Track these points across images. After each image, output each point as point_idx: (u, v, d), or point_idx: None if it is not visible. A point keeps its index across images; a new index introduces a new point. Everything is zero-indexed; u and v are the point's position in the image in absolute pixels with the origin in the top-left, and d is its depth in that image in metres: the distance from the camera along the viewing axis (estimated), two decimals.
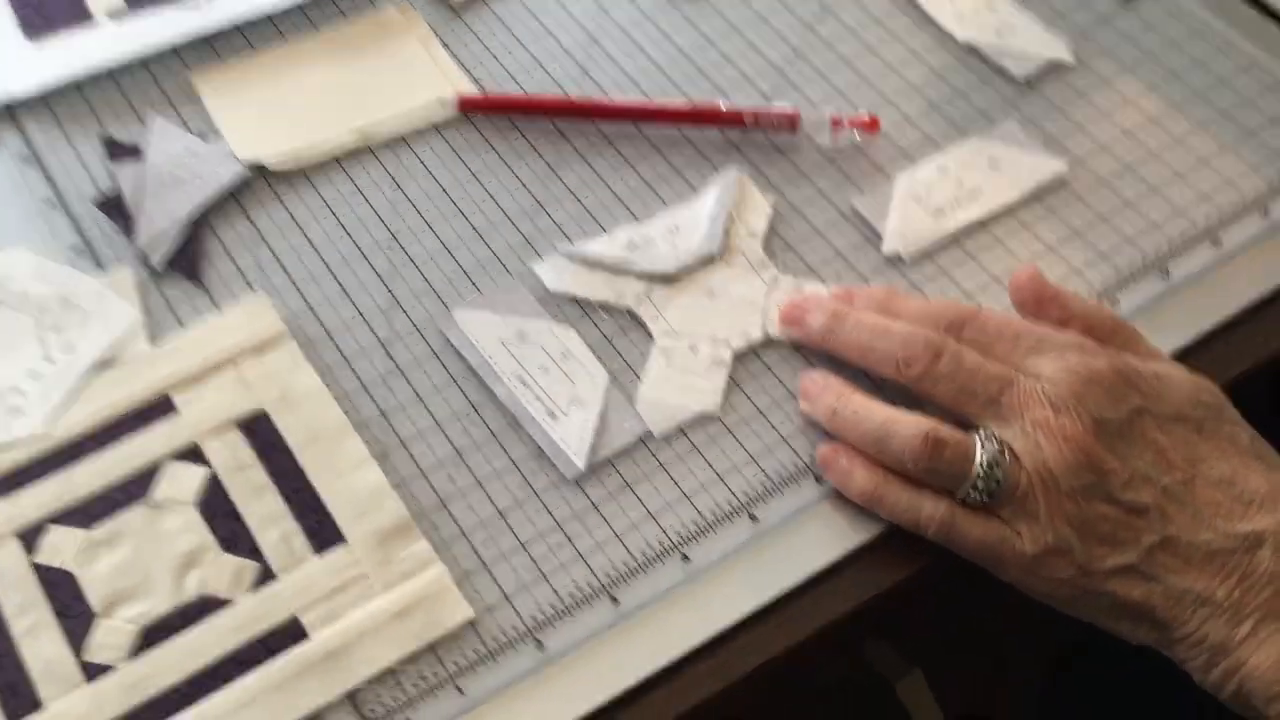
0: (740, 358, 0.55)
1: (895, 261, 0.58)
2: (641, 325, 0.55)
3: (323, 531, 0.49)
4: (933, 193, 0.61)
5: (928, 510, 0.49)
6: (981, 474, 0.47)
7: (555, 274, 0.57)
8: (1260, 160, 0.62)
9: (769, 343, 0.55)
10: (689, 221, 0.59)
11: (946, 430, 0.48)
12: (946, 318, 0.52)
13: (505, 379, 0.53)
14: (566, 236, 0.58)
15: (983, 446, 0.48)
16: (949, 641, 0.62)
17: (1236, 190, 0.61)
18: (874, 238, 0.59)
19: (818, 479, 0.51)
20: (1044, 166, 0.62)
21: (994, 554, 0.48)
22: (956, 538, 0.48)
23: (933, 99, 0.64)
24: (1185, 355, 0.56)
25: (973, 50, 0.66)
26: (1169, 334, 0.56)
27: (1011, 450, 0.48)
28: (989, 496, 0.47)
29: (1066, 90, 0.64)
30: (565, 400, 0.53)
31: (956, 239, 0.59)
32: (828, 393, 0.52)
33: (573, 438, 0.52)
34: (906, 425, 0.49)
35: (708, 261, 0.57)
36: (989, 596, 0.50)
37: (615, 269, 0.57)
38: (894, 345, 0.51)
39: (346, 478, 0.50)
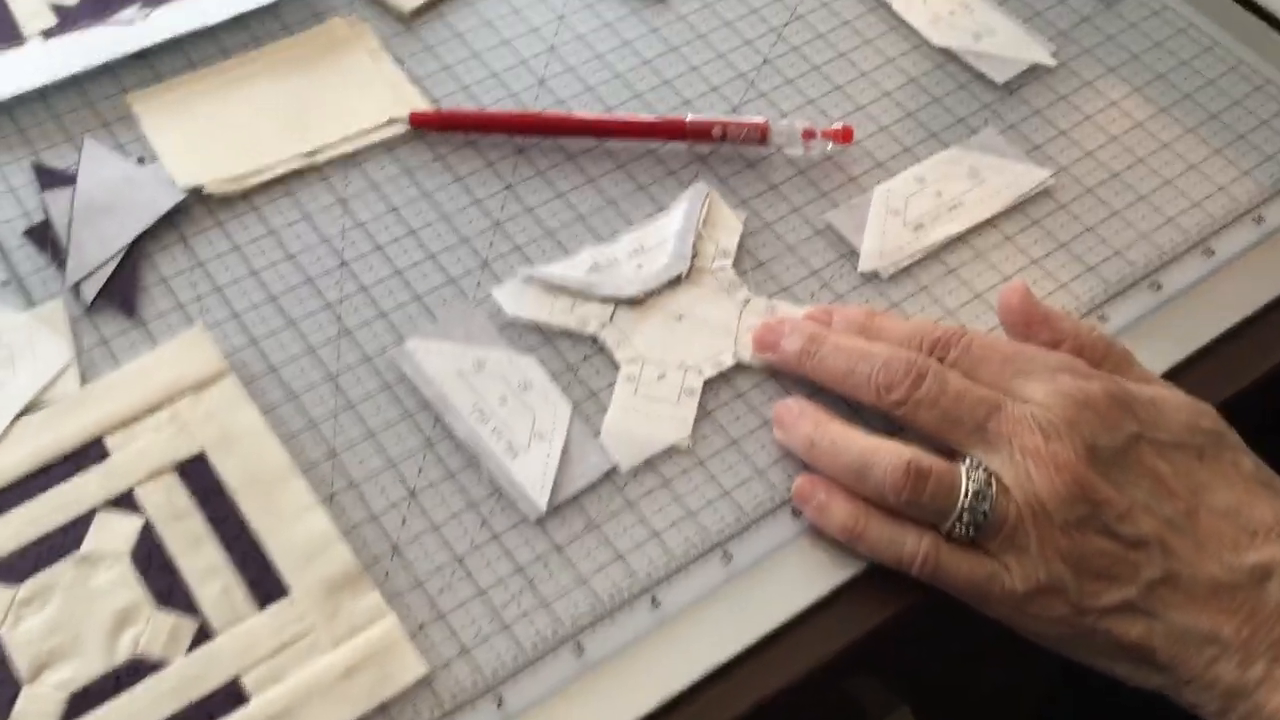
0: (711, 385, 0.52)
1: (873, 279, 0.55)
2: (606, 352, 0.52)
3: (265, 583, 0.46)
4: (911, 206, 0.58)
5: (910, 546, 0.46)
6: (967, 507, 0.44)
7: (515, 299, 0.54)
8: (1251, 164, 0.59)
9: (742, 368, 0.52)
10: (655, 241, 0.56)
11: (929, 459, 0.46)
12: (930, 339, 0.49)
13: (462, 413, 0.50)
14: (526, 259, 0.55)
15: (968, 477, 0.45)
16: (937, 676, 0.59)
17: (1228, 196, 0.58)
18: (850, 254, 0.56)
19: (795, 513, 0.48)
20: (1027, 176, 0.59)
21: (981, 591, 0.45)
22: (942, 575, 0.45)
23: (909, 107, 0.61)
24: (1178, 372, 0.53)
25: (950, 55, 0.63)
26: (1161, 350, 0.53)
27: (999, 480, 0.45)
28: (975, 530, 0.45)
29: (1048, 94, 0.62)
30: (526, 434, 0.50)
31: (937, 254, 0.56)
32: (804, 421, 0.49)
33: (534, 475, 0.49)
34: (887, 455, 0.46)
35: (675, 283, 0.54)
36: (977, 630, 0.47)
37: (578, 293, 0.54)
38: (873, 369, 0.48)
39: (291, 524, 0.47)
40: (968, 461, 0.46)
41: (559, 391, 0.51)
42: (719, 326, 0.53)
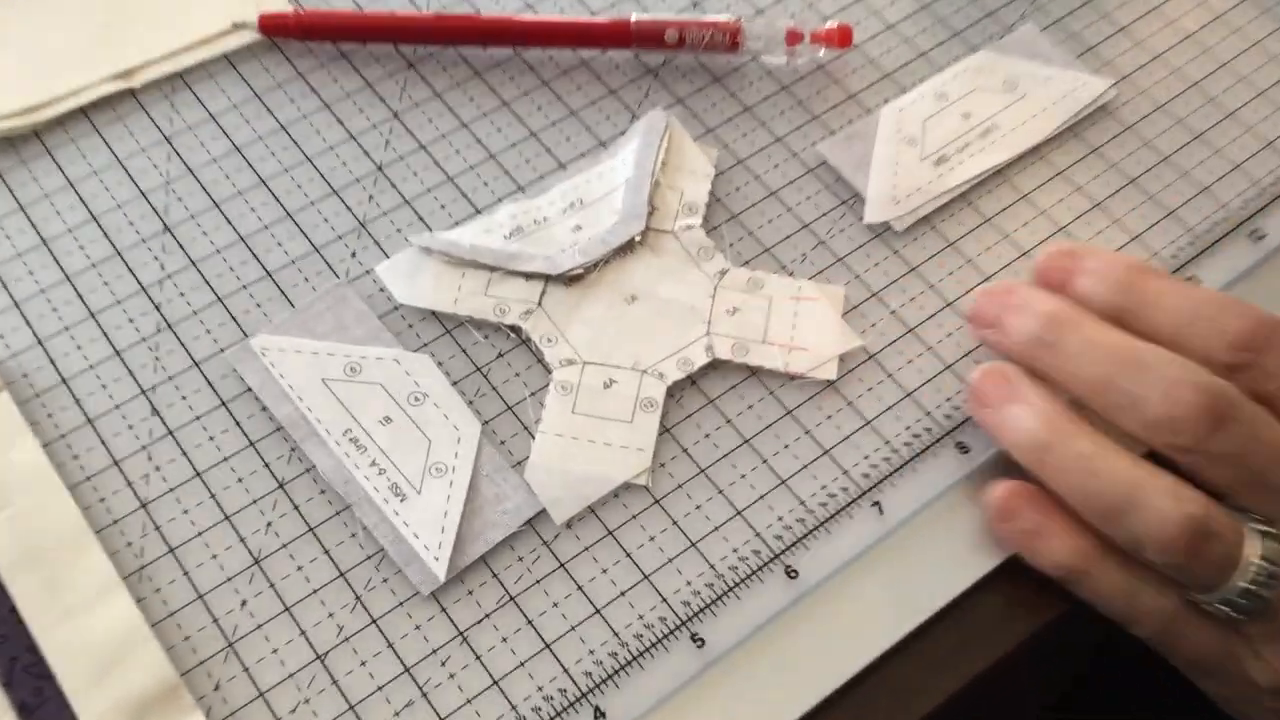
0: (677, 392, 0.38)
1: (883, 233, 0.41)
2: (532, 350, 0.38)
3: (43, 709, 0.32)
4: (930, 132, 0.44)
5: (1148, 603, 0.34)
6: (1248, 586, 0.33)
7: (405, 278, 0.39)
8: None
9: (719, 367, 0.38)
10: (598, 193, 0.41)
11: (1218, 516, 0.33)
12: (1236, 334, 0.34)
13: (329, 439, 0.36)
14: (421, 219, 0.41)
15: (1263, 552, 0.33)
16: None
17: None
18: (853, 201, 0.42)
19: (790, 574, 0.35)
20: (1080, 87, 0.45)
21: (1210, 667, 0.34)
22: (1173, 643, 0.34)
23: None
24: None
25: None
26: None
27: None
28: (1242, 612, 0.33)
29: None
30: (418, 469, 0.36)
31: (966, 197, 0.42)
32: (1025, 411, 0.35)
33: (429, 528, 0.35)
34: (1161, 499, 0.32)
35: (627, 251, 0.40)
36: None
37: (492, 267, 0.39)
38: (1148, 390, 0.33)
39: (82, 616, 0.33)
40: (1261, 527, 0.33)
41: (464, 406, 0.37)
42: (687, 310, 0.39)
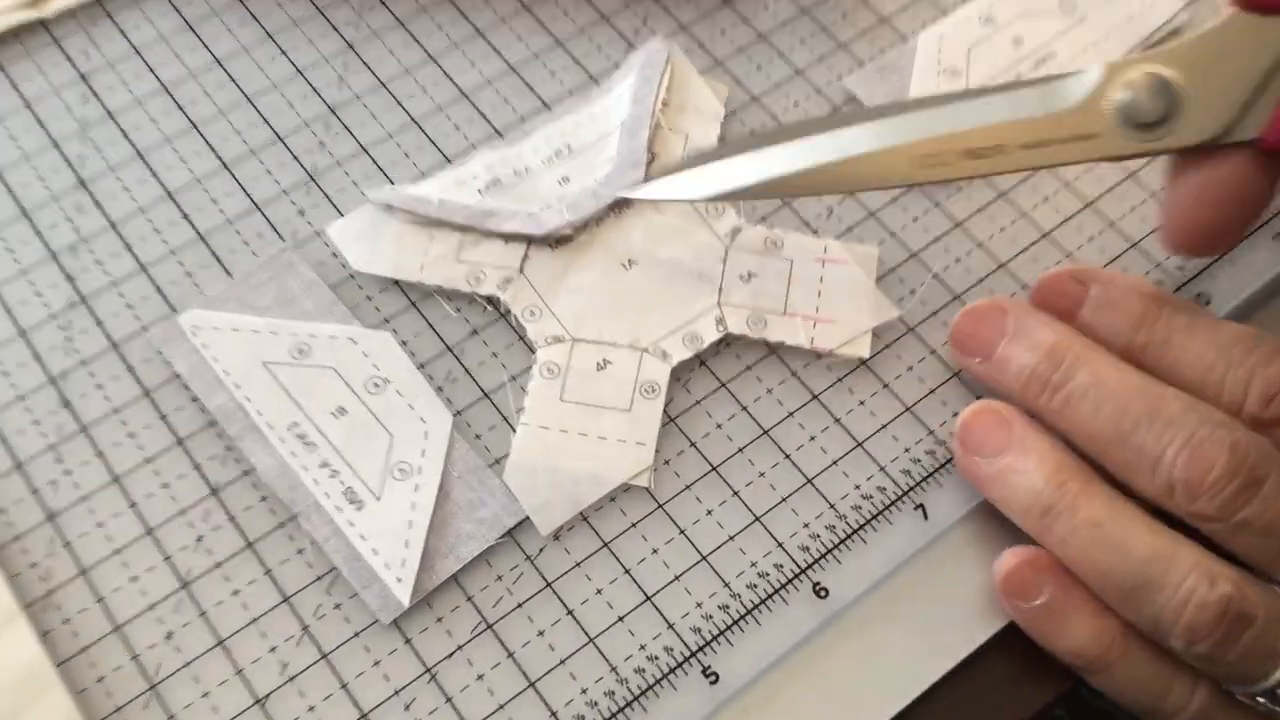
0: (683, 375, 0.32)
1: (922, 185, 0.35)
2: (512, 325, 0.33)
3: None
4: (976, 62, 0.37)
5: (1176, 700, 0.28)
6: None
7: (361, 240, 0.33)
8: None
9: (733, 343, 0.33)
10: (590, 137, 0.35)
11: (1254, 597, 0.27)
12: (1272, 381, 0.29)
13: (271, 435, 0.30)
14: (381, 171, 0.35)
15: None
16: None
17: None
18: None
19: (817, 591, 0.29)
20: (1149, 8, 0.38)
21: None
22: None
23: None
24: None
25: None
26: None
27: None
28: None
29: None
30: (377, 470, 0.30)
31: None
32: (1026, 459, 0.29)
33: (391, 543, 0.29)
34: (1186, 575, 0.27)
35: (622, 207, 0.34)
36: None
37: (465, 227, 0.33)
38: (1167, 445, 0.28)
39: None
40: None
41: (432, 394, 0.31)
42: (695, 276, 0.33)
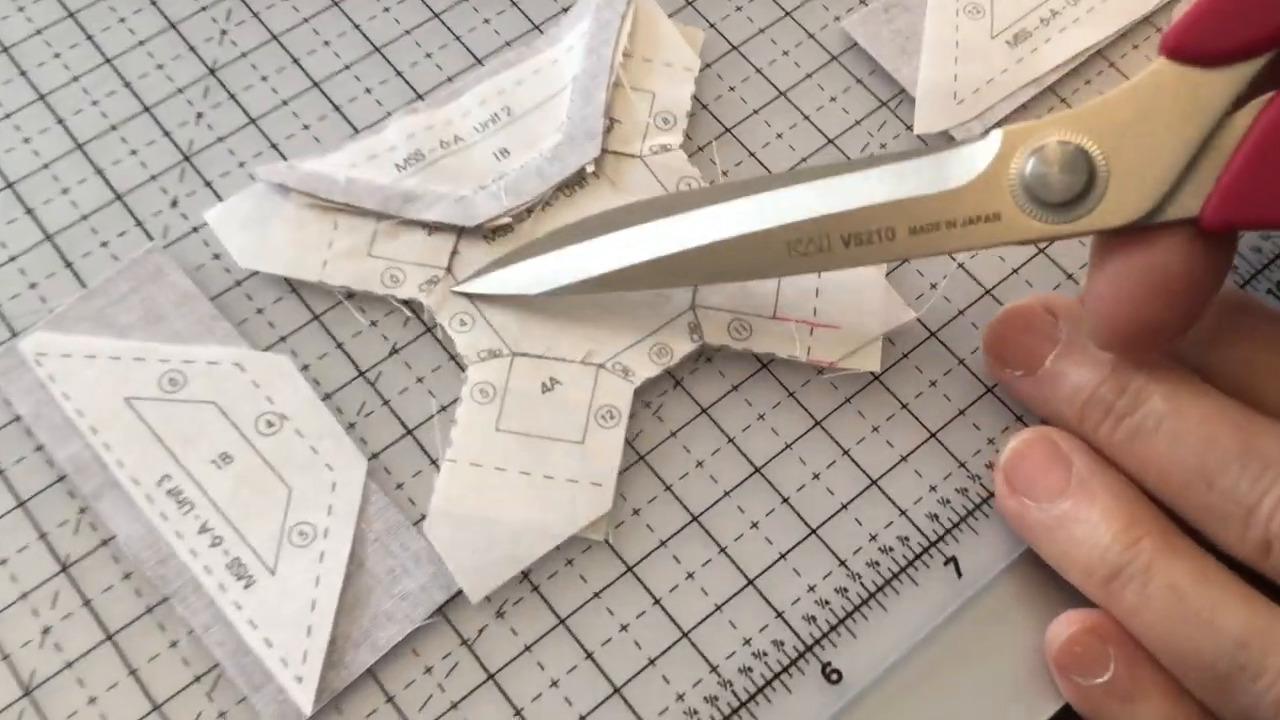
0: (653, 398, 0.26)
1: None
2: (439, 339, 0.26)
3: None
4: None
5: None
6: None
7: (248, 230, 0.27)
8: None
9: (709, 358, 0.26)
10: (532, 99, 0.29)
11: None
12: None
13: (136, 493, 0.24)
14: (274, 147, 0.28)
15: None
16: None
17: None
18: (898, 100, 0.30)
19: (828, 674, 0.24)
20: None
21: None
22: None
23: None
24: None
25: None
26: None
27: None
28: None
29: None
30: (271, 535, 0.24)
31: (1055, 90, 0.30)
32: (1099, 517, 0.23)
33: (289, 632, 0.23)
34: None
35: (575, 186, 0.28)
36: None
37: (380, 212, 0.27)
38: (1265, 493, 0.22)
39: None
40: None
41: (341, 432, 0.25)
42: None
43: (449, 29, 0.30)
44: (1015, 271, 0.28)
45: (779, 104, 0.29)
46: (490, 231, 0.27)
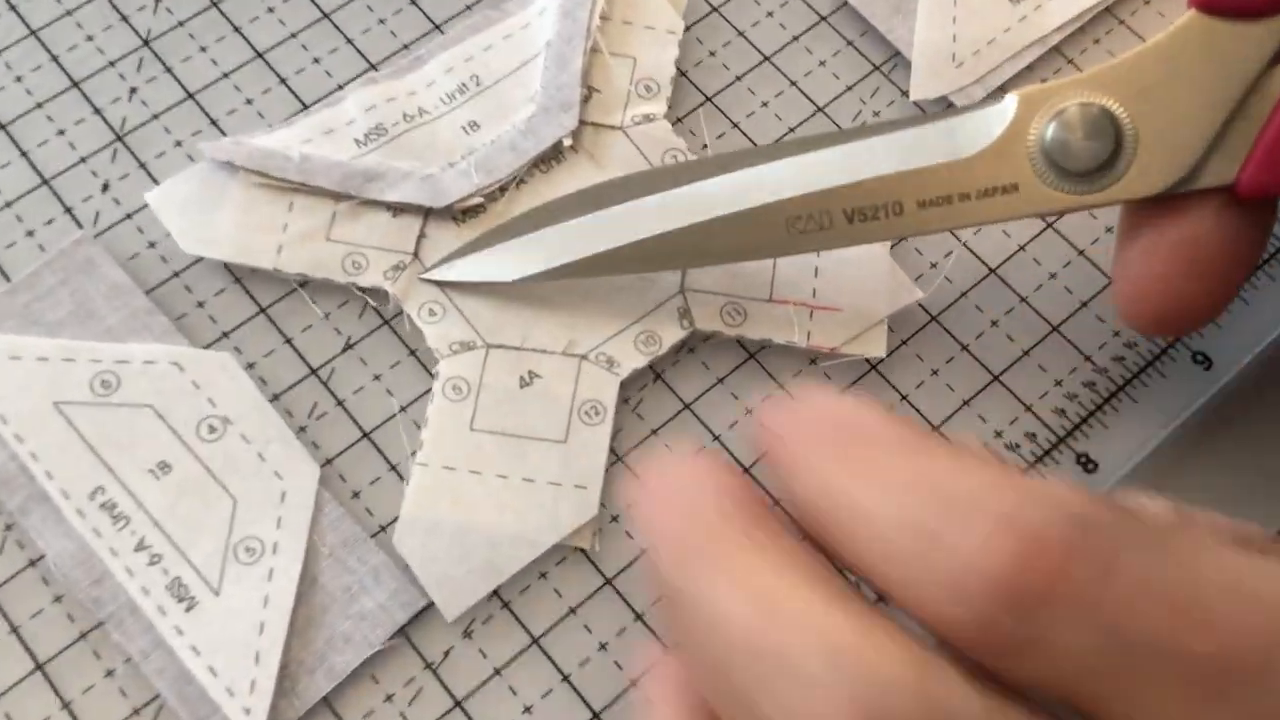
0: (635, 392, 0.24)
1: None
2: (401, 334, 0.24)
3: None
4: None
5: None
6: None
7: (192, 212, 0.24)
8: None
9: (693, 348, 0.24)
10: (502, 67, 0.26)
11: None
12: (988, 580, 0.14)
13: (67, 506, 0.22)
14: (214, 124, 0.26)
15: None
16: None
17: None
18: (892, 64, 0.27)
19: None
20: None
21: None
22: None
23: None
24: None
25: None
26: None
27: None
28: None
29: None
30: (214, 551, 0.22)
31: (1062, 50, 0.28)
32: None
33: (235, 657, 0.21)
34: None
35: (551, 162, 0.26)
36: None
37: (339, 193, 0.25)
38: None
39: None
40: None
41: (291, 436, 0.23)
42: None
43: (417, 8, 0.27)
44: (1022, 249, 0.26)
45: (764, 69, 0.27)
46: (460, 212, 0.25)
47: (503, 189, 0.25)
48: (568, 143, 0.25)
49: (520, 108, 0.26)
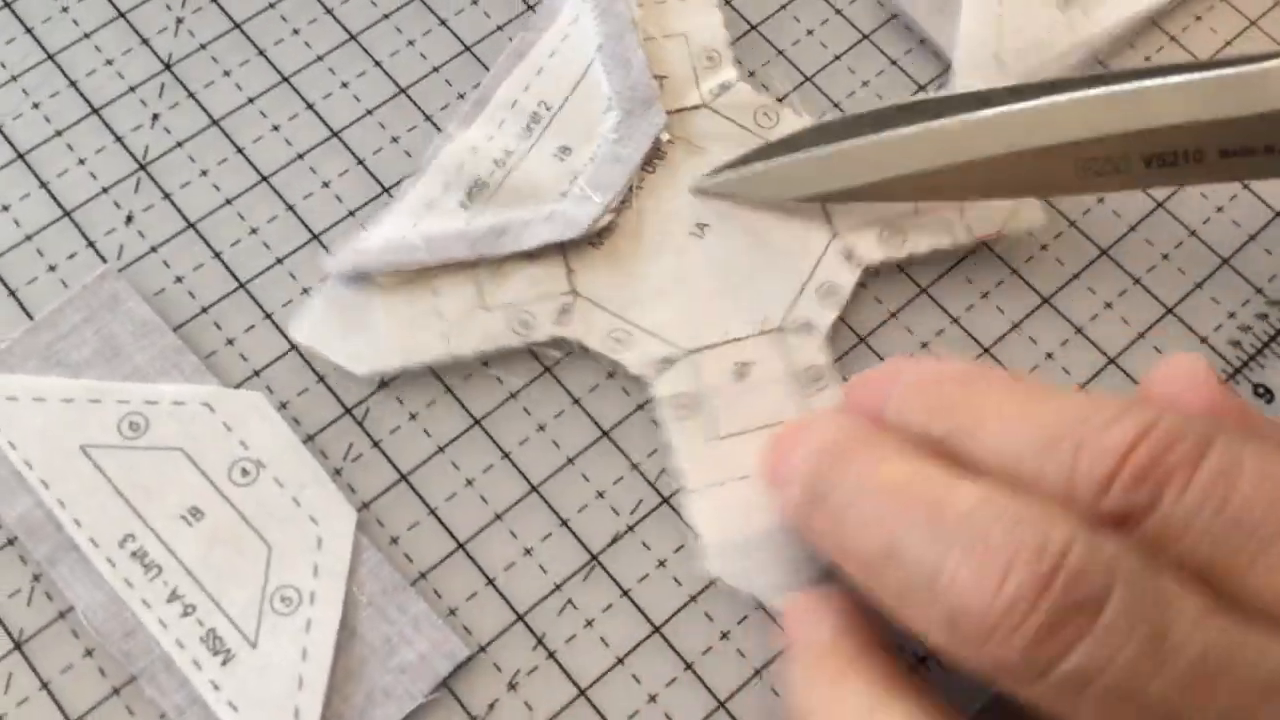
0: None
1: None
2: (432, 368, 0.23)
3: None
4: None
5: None
6: None
7: (350, 332, 0.23)
8: None
9: (864, 283, 0.24)
10: (562, 85, 0.26)
11: None
12: (1115, 454, 0.17)
13: (97, 555, 0.21)
14: (238, 148, 0.25)
15: None
16: None
17: None
18: (934, 80, 0.27)
19: None
20: None
21: None
22: None
23: None
24: None
25: None
26: None
27: None
28: None
29: None
30: (250, 602, 0.21)
31: (1126, 43, 0.27)
32: None
33: (273, 714, 0.20)
34: None
35: (653, 160, 0.25)
36: None
37: (475, 260, 0.24)
38: (945, 557, 0.17)
39: None
40: None
41: (326, 479, 0.22)
42: (786, 211, 0.25)
43: (433, 12, 0.26)
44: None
45: (805, 90, 0.26)
46: (596, 237, 0.24)
47: (625, 200, 0.24)
48: (665, 137, 0.25)
49: (600, 119, 0.25)
